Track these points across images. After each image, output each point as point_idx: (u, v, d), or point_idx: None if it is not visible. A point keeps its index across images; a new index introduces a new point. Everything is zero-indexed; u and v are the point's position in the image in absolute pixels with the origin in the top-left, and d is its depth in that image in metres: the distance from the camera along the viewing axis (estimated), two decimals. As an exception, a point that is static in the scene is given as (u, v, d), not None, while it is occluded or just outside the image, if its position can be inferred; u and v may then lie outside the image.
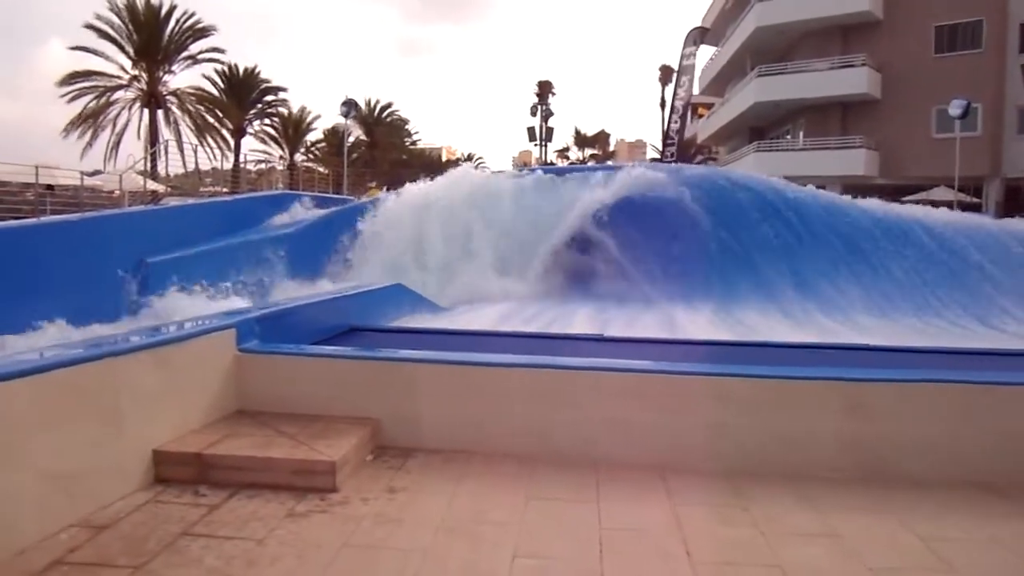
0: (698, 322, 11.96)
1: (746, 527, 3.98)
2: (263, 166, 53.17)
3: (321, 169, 48.25)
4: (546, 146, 55.47)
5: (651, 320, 11.84)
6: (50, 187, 18.86)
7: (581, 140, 75.96)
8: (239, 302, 10.17)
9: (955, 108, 30.47)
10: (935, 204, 22.13)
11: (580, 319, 11.76)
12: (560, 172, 18.57)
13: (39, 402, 3.63)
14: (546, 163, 54.42)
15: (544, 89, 53.33)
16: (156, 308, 9.75)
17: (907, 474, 4.64)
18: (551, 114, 53.25)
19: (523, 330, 8.61)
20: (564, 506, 4.20)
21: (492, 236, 15.54)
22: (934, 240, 15.77)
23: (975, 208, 27.89)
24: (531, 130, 51.53)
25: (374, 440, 4.94)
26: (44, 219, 12.16)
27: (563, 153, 74.79)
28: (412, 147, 70.15)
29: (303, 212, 16.29)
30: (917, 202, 24.53)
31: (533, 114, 51.90)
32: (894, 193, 28.41)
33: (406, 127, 67.87)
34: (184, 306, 9.82)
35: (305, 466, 4.27)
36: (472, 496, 4.29)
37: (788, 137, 44.06)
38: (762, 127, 46.26)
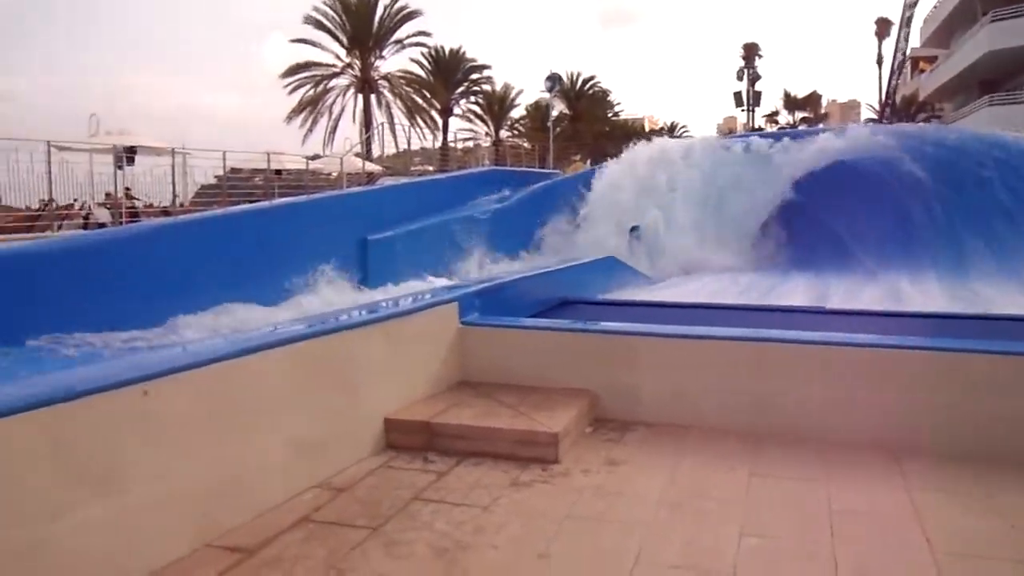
0: (927, 293, 11.19)
1: (992, 517, 3.66)
2: (469, 144, 54.56)
3: (525, 144, 48.96)
4: (753, 111, 53.75)
5: (874, 291, 11.20)
6: (278, 172, 20.23)
7: (791, 103, 72.91)
8: (455, 277, 10.50)
9: None
10: None
11: (796, 291, 11.31)
12: (768, 137, 17.85)
13: (287, 372, 3.90)
14: (753, 129, 52.55)
15: (750, 52, 51.48)
16: (378, 284, 10.22)
17: None
18: (758, 77, 51.43)
19: (740, 302, 8.37)
20: (790, 485, 4.04)
21: (699, 207, 15.22)
22: None
23: None
24: (737, 95, 50.01)
25: (592, 412, 4.96)
26: (276, 201, 13.02)
27: (771, 118, 72.09)
28: (614, 119, 69.69)
29: (511, 188, 16.56)
30: None
31: (739, 78, 50.36)
32: None
33: (608, 99, 67.49)
34: (403, 282, 10.26)
35: (527, 436, 4.34)
36: (693, 471, 4.22)
37: (1029, 89, 40.12)
38: (995, 79, 42.22)
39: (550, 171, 22.62)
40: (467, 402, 4.87)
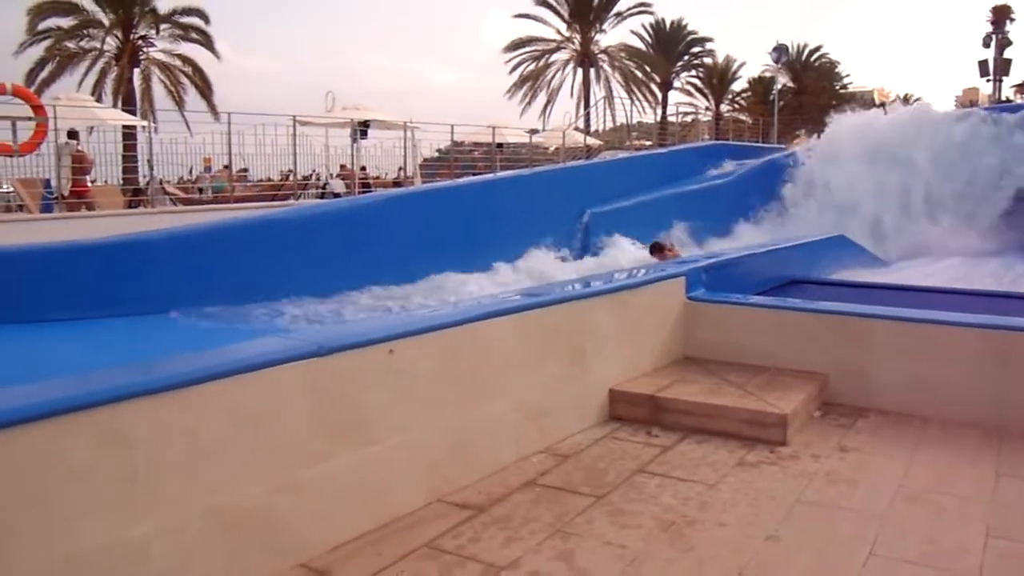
0: None
1: None
2: (688, 118, 53.59)
3: (746, 118, 47.47)
4: (1000, 81, 49.01)
5: None
6: (500, 145, 20.72)
7: (1047, 73, 66.40)
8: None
9: None
10: None
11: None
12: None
13: (519, 339, 4.02)
14: (1000, 101, 48.17)
15: (1000, 15, 47.05)
16: (598, 255, 10.30)
17: None
18: (1008, 43, 46.77)
19: (982, 288, 7.76)
20: (1048, 487, 3.74)
21: (934, 186, 14.21)
22: None
23: None
24: (982, 64, 45.72)
25: (821, 396, 4.79)
26: (504, 174, 13.35)
27: (1022, 88, 65.87)
28: (842, 91, 66.10)
29: (732, 163, 16.14)
30: None
31: (985, 45, 46.00)
32: None
33: (835, 70, 64.06)
34: (623, 254, 10.28)
35: (755, 416, 4.25)
36: (931, 464, 3.99)
37: None
38: None
39: (773, 146, 21.83)
40: (692, 378, 4.83)
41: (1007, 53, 47.12)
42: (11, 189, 15.20)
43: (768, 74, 52.08)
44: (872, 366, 4.78)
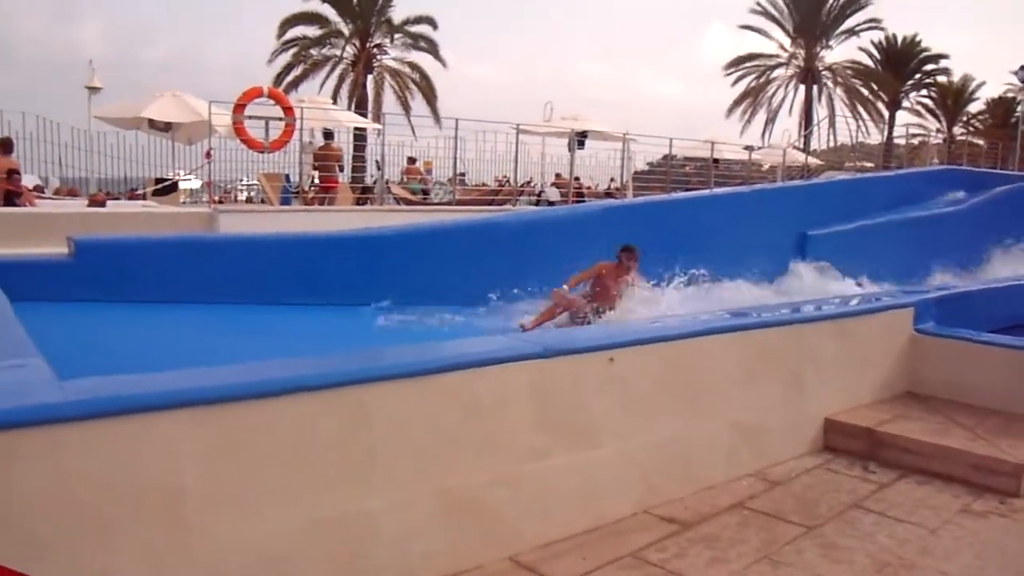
0: None
1: None
2: (915, 140, 50.59)
3: (982, 143, 44.23)
4: None
5: None
6: (716, 161, 20.35)
7: None
8: (895, 282, 9.84)
9: None
10: None
11: None
12: None
13: (737, 358, 3.98)
14: None
15: None
16: (810, 280, 9.94)
17: None
18: None
19: None
20: None
21: None
22: None
23: None
24: None
25: (1064, 448, 4.42)
26: (724, 190, 13.17)
27: None
28: (1098, 117, 60.30)
29: (966, 191, 15.06)
30: None
31: None
32: None
33: (1093, 94, 58.56)
34: (840, 280, 9.88)
35: (985, 463, 3.99)
36: None
37: None
38: None
39: (1017, 174, 20.14)
40: (915, 415, 4.60)
41: None
42: (257, 182, 16.53)
43: (1011, 95, 48.19)
44: (1124, 420, 4.37)
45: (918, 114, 52.44)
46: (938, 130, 51.70)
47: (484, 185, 20.16)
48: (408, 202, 15.06)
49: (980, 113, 55.47)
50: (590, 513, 3.36)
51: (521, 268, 7.97)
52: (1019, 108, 40.75)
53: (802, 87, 44.12)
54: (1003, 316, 6.24)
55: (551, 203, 16.53)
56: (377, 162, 14.97)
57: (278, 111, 12.22)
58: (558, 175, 19.84)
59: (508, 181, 17.87)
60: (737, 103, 44.49)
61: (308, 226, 9.22)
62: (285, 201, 13.41)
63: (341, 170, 15.15)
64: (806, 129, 35.16)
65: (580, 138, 17.48)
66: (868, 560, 3.20)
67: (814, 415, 4.42)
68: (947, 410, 4.66)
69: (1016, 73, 30.57)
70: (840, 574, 3.10)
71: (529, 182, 19.70)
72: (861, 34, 46.15)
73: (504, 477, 3.04)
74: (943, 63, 51.31)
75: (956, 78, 52.61)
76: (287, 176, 14.63)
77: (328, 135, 14.84)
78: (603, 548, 3.22)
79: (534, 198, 18.26)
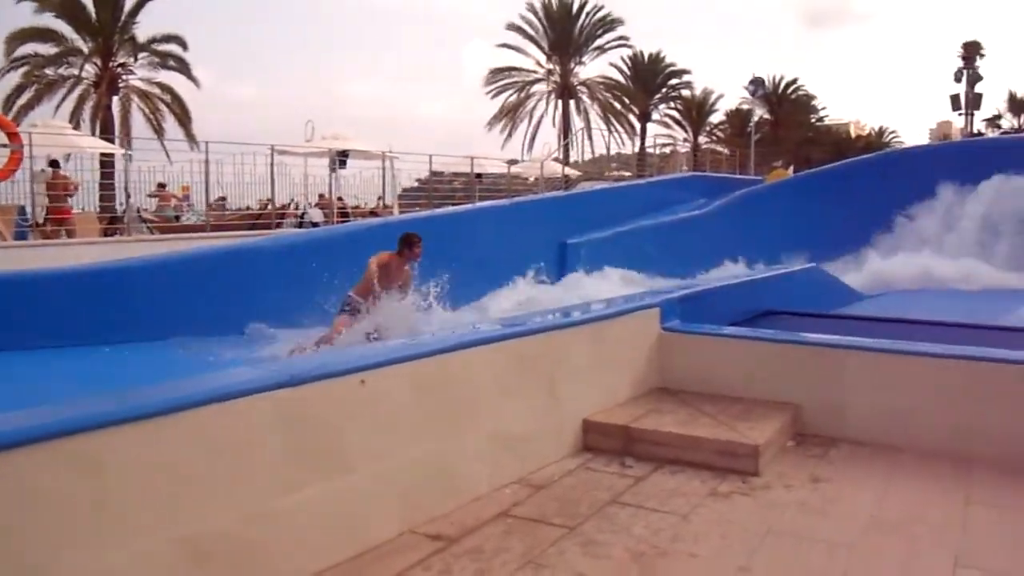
0: None
1: None
2: (666, 150, 54.02)
3: (724, 150, 47.93)
4: (972, 115, 49.86)
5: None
6: (479, 176, 20.78)
7: (1017, 105, 67.37)
8: (650, 282, 10.42)
9: None
10: None
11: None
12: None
13: (494, 369, 4.03)
14: (972, 134, 48.95)
15: (971, 51, 47.87)
16: (579, 287, 10.31)
17: None
18: (979, 78, 47.60)
19: (958, 320, 7.83)
20: (1015, 515, 3.77)
21: (911, 217, 14.42)
22: None
23: None
24: (954, 98, 46.50)
25: (795, 426, 4.81)
26: (481, 204, 13.42)
27: (993, 122, 66.83)
28: (818, 124, 67.00)
29: (710, 195, 16.25)
30: None
31: (957, 80, 46.74)
32: None
33: (812, 103, 64.98)
34: (597, 285, 10.30)
35: (728, 447, 4.26)
36: (903, 494, 4.01)
37: None
38: None
39: (751, 178, 22.00)
40: (667, 409, 4.84)
41: (978, 88, 47.96)
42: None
43: (745, 106, 52.66)
44: (845, 397, 4.81)
45: (667, 125, 56.25)
46: (685, 139, 55.56)
47: (248, 208, 19.54)
48: (162, 230, 14.32)
49: (721, 123, 60.24)
50: (354, 539, 3.27)
51: (284, 292, 7.75)
52: (753, 118, 44.43)
53: (559, 102, 46.00)
54: (746, 308, 6.74)
55: (315, 224, 16.26)
56: (126, 189, 14.12)
57: (2, 137, 11.25)
58: (321, 196, 19.55)
59: (271, 203, 17.41)
60: (497, 118, 45.75)
61: (48, 261, 8.54)
62: (20, 236, 12.36)
63: (67, 198, 14.12)
64: (564, 141, 36.62)
65: (341, 158, 17.32)
66: (626, 553, 3.32)
67: (573, 418, 4.55)
68: (695, 401, 4.94)
69: (746, 87, 33.37)
70: (599, 569, 3.18)
71: (289, 204, 19.28)
72: (612, 51, 48.84)
73: (256, 515, 2.89)
74: (686, 78, 55.36)
75: (699, 91, 56.81)
76: (22, 208, 13.50)
77: (54, 164, 13.88)
78: (369, 573, 3.15)
79: (297, 220, 17.89)
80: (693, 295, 5.86)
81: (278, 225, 15.76)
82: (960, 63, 46.20)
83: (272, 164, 14.84)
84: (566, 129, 43.08)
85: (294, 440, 3.06)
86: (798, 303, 7.47)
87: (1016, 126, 66.31)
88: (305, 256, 8.59)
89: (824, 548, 3.42)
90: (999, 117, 68.10)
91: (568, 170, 26.92)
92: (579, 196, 14.86)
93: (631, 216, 13.38)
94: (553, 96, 46.47)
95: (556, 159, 27.84)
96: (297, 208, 19.40)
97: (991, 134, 58.61)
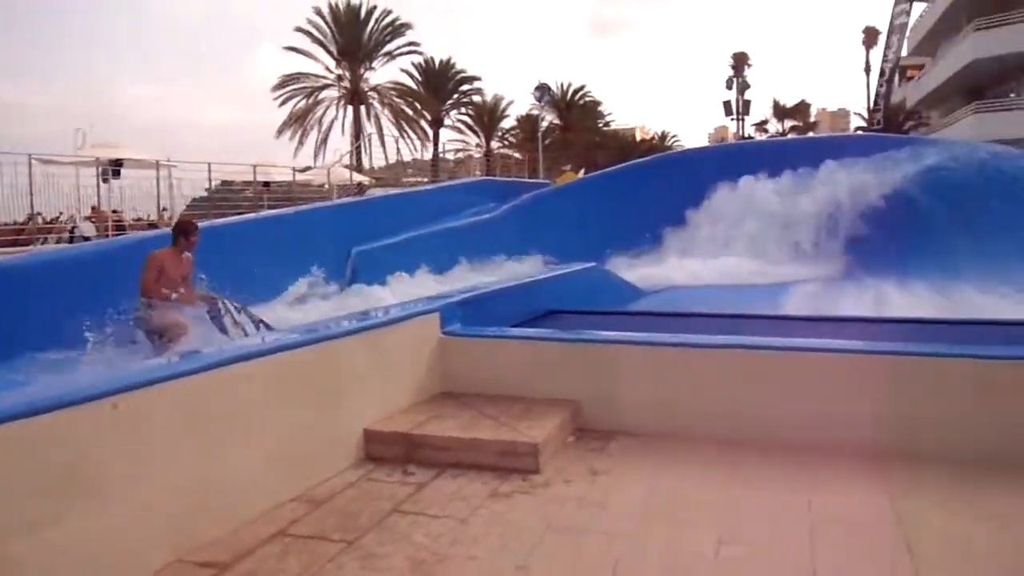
0: (914, 300, 11.17)
1: (981, 522, 3.65)
2: (461, 155, 54.63)
3: (516, 155, 49.01)
4: (743, 120, 53.68)
5: (862, 299, 11.18)
6: (267, 184, 20.17)
7: (780, 112, 73.02)
8: (441, 287, 10.44)
9: None
10: None
11: (792, 301, 11.26)
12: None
13: (266, 383, 3.87)
14: (743, 138, 52.66)
15: (739, 61, 51.45)
16: (363, 294, 10.16)
17: None
18: (747, 86, 51.40)
19: (726, 311, 8.33)
20: (772, 494, 4.01)
21: (690, 215, 15.27)
22: None
23: None
24: (726, 104, 49.95)
25: (575, 422, 4.93)
26: (261, 214, 12.98)
27: (761, 126, 72.21)
28: (605, 129, 69.92)
29: (499, 199, 16.51)
30: None
31: (728, 87, 50.25)
32: None
33: (599, 109, 67.71)
34: (389, 291, 10.21)
35: (509, 447, 4.31)
36: (674, 481, 4.19)
37: (1012, 96, 40.36)
38: (981, 87, 42.59)
39: (540, 181, 22.58)
40: (448, 413, 4.83)
41: (747, 95, 51.62)
42: None
43: (535, 112, 54.13)
44: (621, 390, 4.97)
45: (460, 131, 56.92)
46: (478, 145, 56.38)
47: (16, 223, 18.04)
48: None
49: (513, 128, 61.54)
50: (116, 573, 3.04)
51: (43, 314, 7.18)
52: (542, 123, 45.67)
53: (350, 108, 45.48)
54: (528, 309, 6.84)
55: (86, 239, 15.23)
56: None
57: None
58: (94, 208, 18.34)
59: (38, 217, 16.15)
60: (287, 124, 44.69)
61: None
62: None
63: None
64: (352, 146, 36.23)
65: (115, 167, 16.30)
66: (406, 562, 3.27)
67: (354, 428, 4.45)
68: (478, 404, 4.96)
69: (533, 93, 34.26)
70: (379, 582, 3.13)
71: (58, 217, 17.95)
72: (402, 57, 48.79)
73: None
74: (477, 84, 56.21)
75: (490, 97, 57.83)
76: None
77: None
78: (128, 611, 2.95)
79: (68, 235, 16.69)
80: (473, 298, 5.90)
81: (44, 241, 14.64)
82: (730, 72, 49.54)
83: (30, 175, 13.69)
84: (357, 135, 42.61)
85: (41, 473, 2.80)
86: (580, 302, 7.69)
87: (781, 130, 71.90)
88: (72, 272, 8.03)
89: (599, 539, 3.51)
90: (766, 122, 73.67)
91: (359, 176, 26.60)
92: (368, 202, 14.70)
93: (422, 222, 13.38)
94: (343, 102, 45.88)
95: (347, 166, 27.45)
96: (67, 222, 18.11)
97: (759, 137, 63.40)
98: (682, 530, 3.59)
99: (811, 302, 10.46)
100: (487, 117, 57.69)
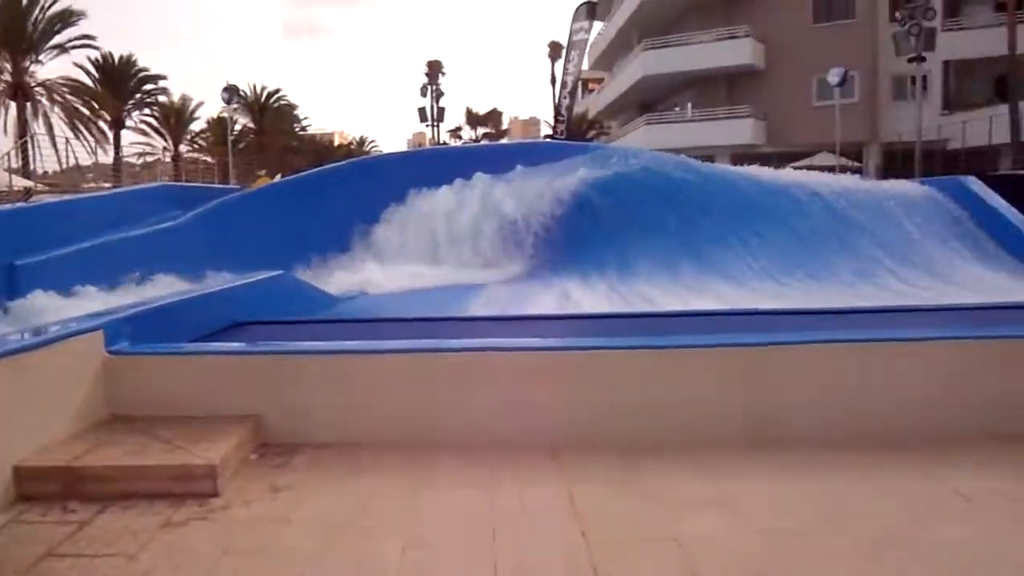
0: (594, 297, 11.94)
1: (642, 501, 3.95)
2: (147, 158, 51.34)
3: (208, 159, 46.83)
4: (438, 126, 54.90)
5: (547, 298, 11.76)
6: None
7: (473, 119, 75.39)
8: (118, 302, 9.64)
9: (833, 76, 31.62)
10: (819, 170, 22.64)
11: (480, 302, 11.61)
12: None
13: None
14: (438, 143, 54.02)
15: (434, 69, 52.57)
16: (25, 313, 9.14)
17: (805, 437, 4.66)
18: (442, 94, 52.53)
19: (408, 315, 8.41)
20: (457, 494, 4.10)
21: (386, 220, 15.33)
22: (820, 203, 16.04)
23: (857, 172, 28.71)
24: (422, 111, 50.78)
25: (257, 438, 4.72)
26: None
27: (456, 133, 74.24)
28: (302, 133, 68.78)
29: (185, 205, 15.58)
30: (802, 168, 25.16)
31: (423, 95, 51.17)
32: (780, 160, 29.22)
33: (295, 113, 66.48)
34: (58, 309, 9.26)
35: (184, 471, 4.04)
36: (360, 490, 4.15)
37: (677, 109, 44.78)
38: (651, 101, 47.00)
39: (231, 187, 21.65)
40: (117, 440, 4.43)
41: (442, 102, 52.70)
42: None
43: (226, 114, 52.02)
44: (306, 401, 4.84)
45: (144, 133, 53.43)
46: (165, 148, 53.24)
47: None
48: None
49: (203, 131, 58.72)
50: None
51: None
52: (235, 127, 43.98)
53: (14, 104, 41.11)
54: (211, 321, 6.47)
55: None
56: None
57: None
58: None
59: None
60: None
61: None
62: None
63: None
64: (23, 150, 32.81)
65: None
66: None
67: (1, 467, 3.95)
68: (151, 427, 4.59)
69: (222, 95, 32.86)
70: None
71: None
72: (76, 51, 44.89)
73: None
74: (162, 83, 53.03)
75: (177, 98, 54.81)
76: None
77: None
78: None
79: None
80: (143, 312, 5.46)
81: None
82: (425, 79, 50.57)
83: None
84: (22, 135, 38.48)
85: None
86: (270, 312, 7.41)
87: (475, 137, 74.45)
88: None
89: (281, 557, 3.40)
90: (460, 129, 75.88)
91: (24, 181, 24.07)
92: (33, 209, 13.34)
93: (98, 231, 12.30)
94: (4, 98, 41.31)
95: (8, 170, 24.75)
96: None
97: (454, 143, 65.28)
98: (367, 540, 3.55)
99: (499, 302, 10.84)
100: (174, 119, 54.59)
